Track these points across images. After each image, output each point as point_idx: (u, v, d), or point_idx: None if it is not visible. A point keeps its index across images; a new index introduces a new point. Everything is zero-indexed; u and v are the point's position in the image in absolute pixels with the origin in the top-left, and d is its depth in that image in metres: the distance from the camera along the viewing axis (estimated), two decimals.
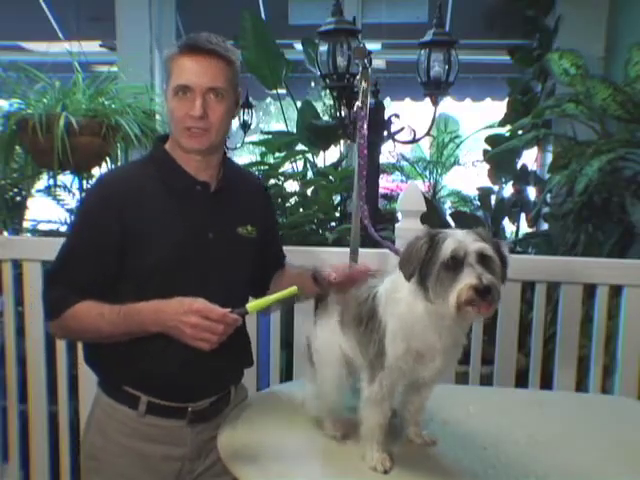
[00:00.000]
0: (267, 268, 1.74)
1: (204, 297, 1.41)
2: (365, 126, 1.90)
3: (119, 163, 3.14)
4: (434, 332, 1.24)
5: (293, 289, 1.41)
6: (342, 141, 3.86)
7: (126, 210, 1.48)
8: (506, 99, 4.42)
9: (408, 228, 2.15)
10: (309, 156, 3.86)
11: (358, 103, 1.94)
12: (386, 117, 2.57)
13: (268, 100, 6.63)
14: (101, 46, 4.90)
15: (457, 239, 1.18)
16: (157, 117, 3.29)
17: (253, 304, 1.41)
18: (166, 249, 1.48)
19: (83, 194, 1.63)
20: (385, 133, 2.58)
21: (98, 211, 1.50)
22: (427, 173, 4.76)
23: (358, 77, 1.99)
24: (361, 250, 2.05)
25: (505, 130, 4.13)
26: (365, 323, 1.35)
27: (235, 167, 1.72)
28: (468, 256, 1.16)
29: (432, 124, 2.74)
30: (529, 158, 4.32)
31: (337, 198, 3.39)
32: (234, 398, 1.67)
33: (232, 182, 1.61)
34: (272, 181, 3.33)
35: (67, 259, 1.52)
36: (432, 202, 3.88)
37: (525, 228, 4.19)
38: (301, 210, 3.23)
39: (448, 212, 4.28)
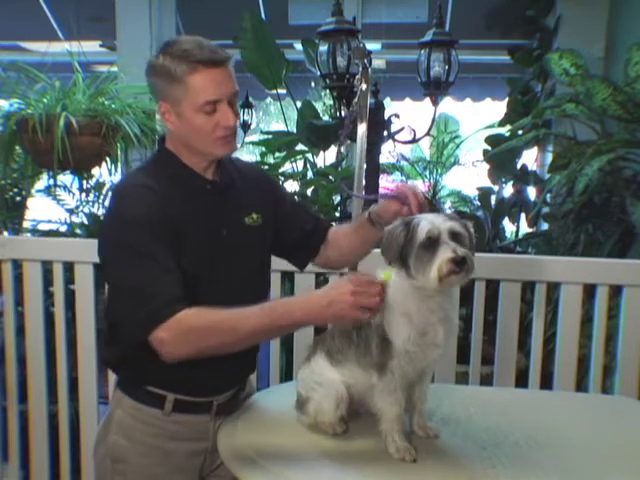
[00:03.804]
0: (308, 234, 1.71)
1: (229, 293, 1.40)
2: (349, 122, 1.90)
3: (119, 163, 3.14)
4: (426, 308, 1.36)
5: None
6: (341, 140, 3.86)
7: (166, 210, 1.44)
8: (506, 99, 4.42)
9: None
10: (309, 156, 3.85)
11: (355, 101, 1.95)
12: (386, 117, 2.57)
13: (268, 100, 6.64)
14: (101, 46, 4.91)
15: (430, 221, 1.31)
16: (157, 117, 3.29)
17: (386, 273, 1.40)
18: (195, 250, 1.48)
19: (108, 212, 1.54)
20: (385, 133, 2.58)
21: (147, 214, 1.40)
22: (427, 173, 4.76)
23: (358, 77, 1.99)
24: None
25: (505, 130, 4.13)
26: (358, 336, 1.42)
27: (228, 160, 1.68)
28: (442, 234, 1.30)
29: (432, 124, 2.74)
30: (529, 158, 4.32)
31: (337, 198, 3.39)
32: (248, 388, 1.70)
33: (232, 176, 1.61)
34: None
35: (151, 274, 1.38)
36: (432, 202, 3.88)
37: (525, 228, 4.19)
38: None
39: (448, 211, 4.27)
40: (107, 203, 1.60)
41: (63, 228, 3.26)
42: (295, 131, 4.02)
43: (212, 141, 1.48)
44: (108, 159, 3.10)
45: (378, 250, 1.43)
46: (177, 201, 1.48)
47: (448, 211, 4.36)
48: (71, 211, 3.27)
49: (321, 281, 2.49)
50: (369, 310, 1.32)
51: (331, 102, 3.50)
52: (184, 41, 1.46)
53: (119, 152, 3.09)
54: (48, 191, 3.31)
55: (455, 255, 1.26)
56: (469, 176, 4.87)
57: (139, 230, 1.40)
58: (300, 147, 3.95)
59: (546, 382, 2.35)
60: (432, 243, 1.29)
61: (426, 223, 1.31)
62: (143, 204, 1.42)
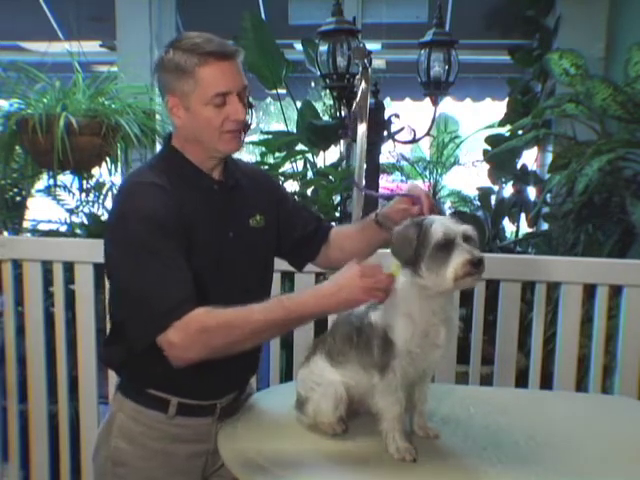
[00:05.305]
0: (309, 235, 1.72)
1: (232, 295, 1.39)
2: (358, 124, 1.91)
3: (119, 163, 3.14)
4: (428, 309, 1.37)
5: None
6: (342, 141, 3.86)
7: (176, 208, 1.42)
8: (506, 99, 4.42)
9: None
10: (309, 156, 3.85)
11: (357, 101, 1.96)
12: (386, 117, 2.57)
13: (268, 100, 6.62)
14: (101, 46, 4.90)
15: (443, 223, 1.33)
16: (157, 117, 3.29)
17: (395, 265, 1.41)
18: (201, 251, 1.47)
19: (115, 209, 1.50)
20: (385, 133, 2.58)
21: (158, 212, 1.39)
22: (427, 173, 4.75)
23: (358, 77, 1.99)
24: None
25: (505, 130, 4.13)
26: (359, 337, 1.43)
27: (232, 161, 1.67)
28: (457, 237, 1.31)
29: (432, 124, 2.74)
30: (529, 158, 4.32)
31: (337, 198, 3.39)
32: (248, 389, 1.70)
33: (236, 176, 1.60)
34: None
35: (161, 274, 1.36)
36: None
37: (525, 228, 4.19)
38: None
39: (448, 212, 4.27)
40: (113, 200, 1.57)
41: (63, 228, 3.26)
42: (295, 131, 4.01)
43: (219, 135, 1.46)
44: (108, 159, 3.10)
45: (381, 251, 1.43)
46: (187, 200, 1.46)
47: (448, 211, 4.37)
48: (71, 211, 3.27)
49: (321, 281, 2.48)
50: (380, 292, 1.33)
51: (331, 102, 3.50)
52: (193, 35, 1.45)
53: (119, 152, 3.09)
54: (48, 191, 3.32)
55: (472, 257, 1.28)
56: (469, 176, 4.86)
57: (149, 228, 1.38)
58: (300, 147, 3.95)
59: (546, 382, 2.35)
60: (447, 244, 1.31)
61: (440, 224, 1.32)
62: (154, 202, 1.40)
